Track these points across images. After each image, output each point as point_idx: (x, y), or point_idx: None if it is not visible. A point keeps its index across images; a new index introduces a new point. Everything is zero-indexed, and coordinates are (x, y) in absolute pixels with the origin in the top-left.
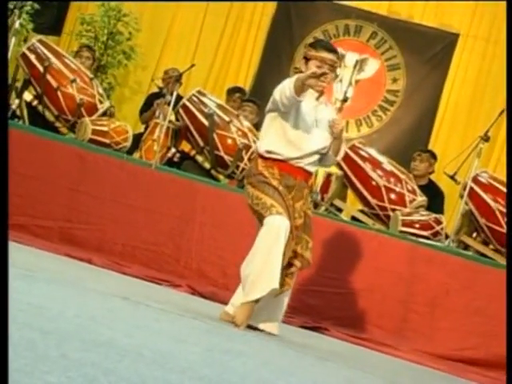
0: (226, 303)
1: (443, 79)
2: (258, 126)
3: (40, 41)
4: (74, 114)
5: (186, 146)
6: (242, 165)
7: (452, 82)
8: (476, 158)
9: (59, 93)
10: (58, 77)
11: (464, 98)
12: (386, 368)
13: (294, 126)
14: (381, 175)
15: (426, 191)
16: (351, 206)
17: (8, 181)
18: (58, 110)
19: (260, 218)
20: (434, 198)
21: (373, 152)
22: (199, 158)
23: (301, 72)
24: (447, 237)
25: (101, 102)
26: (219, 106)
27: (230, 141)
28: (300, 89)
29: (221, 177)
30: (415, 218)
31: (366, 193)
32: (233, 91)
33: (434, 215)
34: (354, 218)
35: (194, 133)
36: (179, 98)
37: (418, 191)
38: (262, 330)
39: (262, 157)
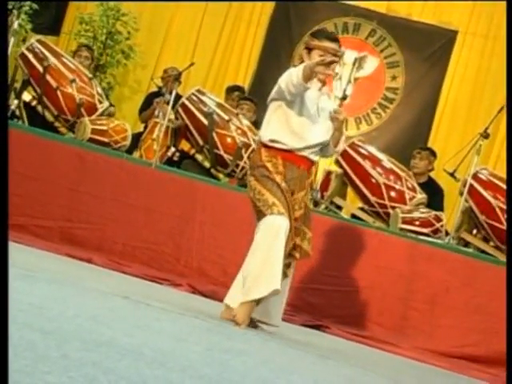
0: None
1: (442, 76)
2: (256, 124)
3: (39, 41)
4: (73, 114)
5: (185, 145)
6: (241, 163)
7: (451, 79)
8: (476, 155)
9: (59, 93)
10: (58, 77)
11: (463, 95)
12: (386, 366)
13: (298, 115)
14: (380, 173)
15: (426, 189)
16: (351, 203)
17: (8, 181)
18: (58, 109)
19: (259, 214)
20: (434, 196)
21: (372, 150)
22: (199, 157)
23: (302, 62)
24: (447, 234)
25: (100, 102)
26: (218, 105)
27: (229, 139)
28: (308, 76)
29: (221, 175)
30: (415, 215)
31: (365, 190)
32: (232, 90)
33: (433, 212)
34: (353, 216)
35: (194, 132)
36: (178, 96)
37: (417, 189)
38: (263, 323)
39: (265, 146)
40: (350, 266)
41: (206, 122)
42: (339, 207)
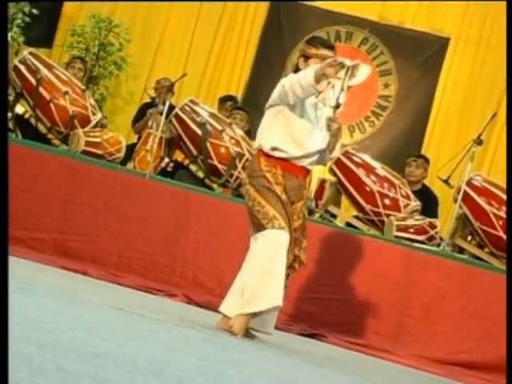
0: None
1: (435, 83)
2: (249, 133)
3: (31, 53)
4: (66, 126)
5: (179, 156)
6: (235, 173)
7: (444, 86)
8: (469, 161)
9: (52, 105)
10: (51, 89)
11: (456, 102)
12: (383, 373)
13: (299, 122)
14: (374, 181)
15: (420, 196)
16: (345, 212)
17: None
18: (51, 122)
19: (258, 226)
20: (428, 203)
21: (366, 158)
22: (193, 167)
23: (297, 70)
24: (442, 241)
25: (93, 114)
26: (212, 115)
27: (223, 149)
28: (319, 78)
29: (215, 185)
30: (410, 222)
31: (360, 198)
32: (225, 100)
33: (428, 220)
34: (348, 224)
35: (187, 142)
36: (172, 107)
37: (411, 196)
38: (257, 331)
39: (264, 154)
40: (345, 275)
41: (199, 132)
42: (334, 215)
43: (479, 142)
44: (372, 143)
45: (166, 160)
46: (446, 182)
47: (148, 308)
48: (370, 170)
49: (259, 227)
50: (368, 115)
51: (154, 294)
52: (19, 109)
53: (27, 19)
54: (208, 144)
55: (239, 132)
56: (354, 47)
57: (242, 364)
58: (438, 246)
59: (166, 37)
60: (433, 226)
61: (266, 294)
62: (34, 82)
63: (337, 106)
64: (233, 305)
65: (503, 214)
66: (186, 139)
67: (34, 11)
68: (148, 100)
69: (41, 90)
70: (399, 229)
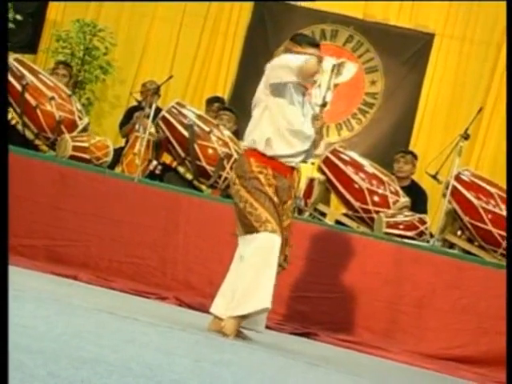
0: None
1: (421, 79)
2: (236, 133)
3: (16, 59)
4: (53, 132)
5: (167, 158)
6: (224, 174)
7: (430, 81)
8: (457, 156)
9: (38, 111)
10: (37, 95)
11: (442, 98)
12: (376, 370)
13: (287, 118)
14: (363, 178)
15: (409, 192)
16: (335, 210)
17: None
18: (38, 127)
19: (249, 228)
20: (417, 199)
21: (354, 155)
22: (181, 170)
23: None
24: (432, 236)
25: (80, 119)
26: (199, 117)
27: (211, 151)
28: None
29: (203, 187)
30: (399, 219)
31: (349, 196)
32: (212, 101)
33: (417, 215)
34: (338, 222)
35: (175, 144)
36: (158, 110)
37: (400, 192)
38: (249, 329)
39: (255, 154)
40: (336, 273)
41: (186, 134)
42: (323, 214)
43: (466, 136)
44: (360, 140)
45: (154, 163)
46: (434, 177)
47: (140, 311)
48: (358, 167)
49: (251, 229)
50: (355, 113)
51: (145, 297)
52: None
53: (11, 25)
54: (196, 146)
55: (227, 133)
56: (339, 45)
57: (236, 365)
58: (428, 241)
59: (151, 40)
60: (422, 222)
61: (255, 296)
62: (19, 88)
63: (323, 105)
64: (224, 306)
65: (492, 208)
66: (173, 141)
67: (18, 17)
68: (134, 103)
69: (27, 96)
70: (389, 225)
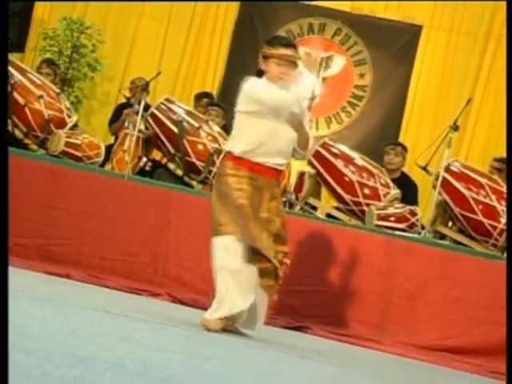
0: (206, 309)
1: (409, 72)
2: (225, 128)
3: None
4: (42, 130)
5: (157, 155)
6: (214, 169)
7: (418, 73)
8: (446, 147)
9: (27, 109)
10: (25, 94)
11: (431, 89)
12: (370, 363)
13: (267, 124)
14: (353, 171)
15: (400, 184)
16: (326, 203)
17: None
18: (27, 126)
19: (212, 230)
20: (408, 191)
21: (344, 148)
22: (171, 166)
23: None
24: (423, 228)
25: (69, 117)
26: (188, 113)
27: (200, 146)
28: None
29: (194, 183)
30: (390, 211)
31: (339, 189)
32: (200, 97)
33: (408, 207)
34: (329, 216)
35: (165, 140)
36: (147, 106)
37: (391, 184)
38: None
39: (233, 157)
40: (328, 266)
41: (176, 130)
42: (314, 207)
43: (455, 127)
44: (349, 133)
45: (144, 159)
46: (424, 169)
47: (133, 309)
48: (348, 160)
49: (212, 231)
50: (344, 106)
51: (138, 294)
52: None
53: None
54: (185, 141)
55: (216, 128)
56: (327, 38)
57: (228, 360)
58: (420, 233)
59: (139, 36)
60: (413, 214)
61: (230, 299)
62: (8, 87)
63: (313, 98)
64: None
65: (483, 199)
66: (163, 138)
67: None
68: (123, 100)
69: (15, 94)
70: (380, 218)
